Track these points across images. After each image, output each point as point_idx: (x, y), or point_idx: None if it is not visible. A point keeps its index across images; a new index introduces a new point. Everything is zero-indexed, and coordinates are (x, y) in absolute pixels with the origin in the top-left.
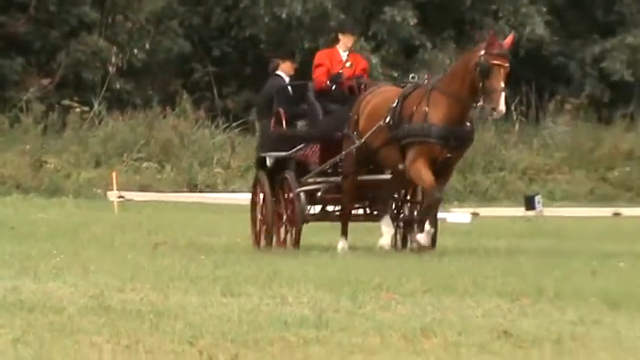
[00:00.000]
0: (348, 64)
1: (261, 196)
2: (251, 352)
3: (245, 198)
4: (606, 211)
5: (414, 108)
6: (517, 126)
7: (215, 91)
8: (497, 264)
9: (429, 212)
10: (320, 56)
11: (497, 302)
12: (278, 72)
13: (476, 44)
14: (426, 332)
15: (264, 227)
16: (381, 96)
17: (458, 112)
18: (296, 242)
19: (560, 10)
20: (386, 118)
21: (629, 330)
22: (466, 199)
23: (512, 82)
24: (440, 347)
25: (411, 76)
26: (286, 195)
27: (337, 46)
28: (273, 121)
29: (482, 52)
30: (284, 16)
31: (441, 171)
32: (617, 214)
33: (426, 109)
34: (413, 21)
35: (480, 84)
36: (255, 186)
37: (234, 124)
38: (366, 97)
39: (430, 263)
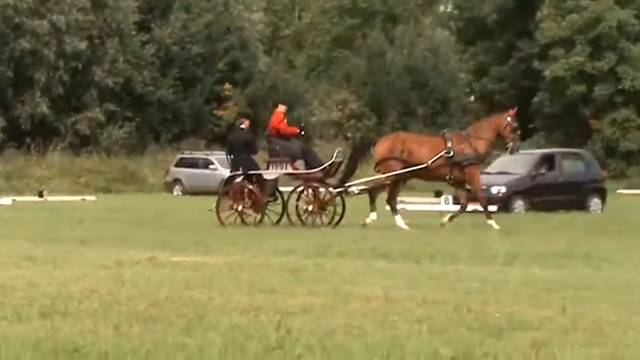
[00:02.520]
0: (285, 121)
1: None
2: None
3: (6, 201)
4: None
5: (462, 146)
6: None
7: None
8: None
9: (485, 203)
10: (279, 116)
11: (144, 249)
12: (242, 126)
13: None
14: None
15: (237, 213)
16: (427, 138)
17: (490, 147)
18: (330, 221)
19: None
20: (449, 151)
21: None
22: None
23: None
24: (111, 276)
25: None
26: (316, 195)
27: (279, 110)
28: (269, 150)
29: (509, 119)
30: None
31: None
32: None
33: (473, 145)
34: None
35: (511, 134)
36: (226, 193)
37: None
38: (398, 138)
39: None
